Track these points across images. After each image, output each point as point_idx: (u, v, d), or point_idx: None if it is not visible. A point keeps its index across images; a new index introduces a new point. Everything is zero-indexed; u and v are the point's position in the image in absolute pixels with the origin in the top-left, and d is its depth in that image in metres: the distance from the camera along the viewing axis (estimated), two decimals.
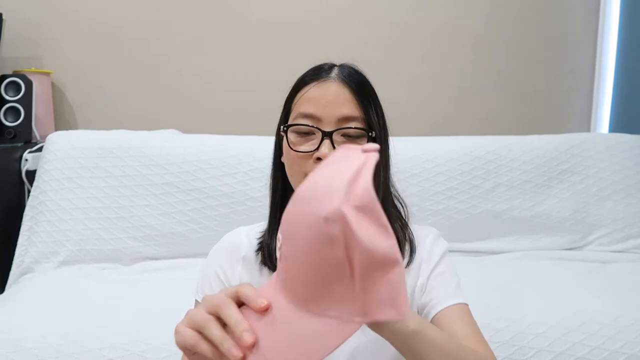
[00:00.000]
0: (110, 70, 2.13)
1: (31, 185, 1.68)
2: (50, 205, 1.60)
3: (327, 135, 0.71)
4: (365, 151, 0.46)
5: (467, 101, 2.29)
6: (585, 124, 2.35)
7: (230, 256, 0.82)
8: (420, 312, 0.77)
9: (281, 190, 0.81)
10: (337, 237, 0.42)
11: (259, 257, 0.80)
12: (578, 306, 1.27)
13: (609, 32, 2.27)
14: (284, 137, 0.76)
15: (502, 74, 2.29)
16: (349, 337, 0.45)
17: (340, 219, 0.41)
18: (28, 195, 1.69)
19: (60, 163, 1.64)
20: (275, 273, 0.52)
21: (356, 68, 0.77)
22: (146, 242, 1.62)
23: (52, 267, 1.55)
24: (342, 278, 0.43)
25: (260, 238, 0.82)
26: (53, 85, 2.08)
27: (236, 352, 0.45)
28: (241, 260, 0.81)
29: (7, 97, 1.86)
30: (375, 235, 0.42)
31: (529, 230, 1.78)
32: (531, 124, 2.28)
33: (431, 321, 0.74)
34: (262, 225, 0.84)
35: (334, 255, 0.43)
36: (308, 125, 0.73)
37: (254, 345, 0.45)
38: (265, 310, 0.47)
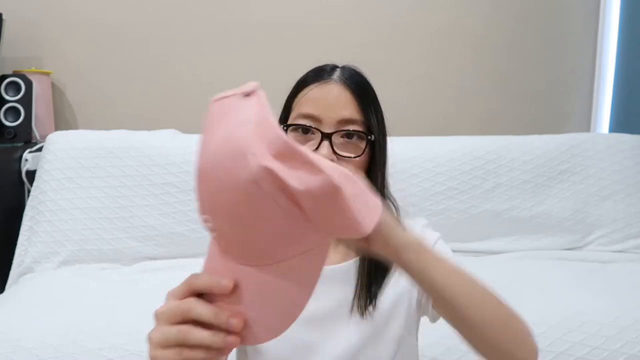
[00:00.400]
0: (110, 70, 2.13)
1: (31, 185, 1.68)
2: (50, 205, 1.60)
3: (327, 136, 0.71)
4: (247, 94, 0.42)
5: (467, 101, 2.29)
6: (585, 124, 2.35)
7: None
8: (421, 295, 0.77)
9: None
10: (272, 191, 0.40)
11: None
12: (578, 306, 1.27)
13: (609, 32, 2.27)
14: None
15: (502, 74, 2.29)
16: (326, 255, 0.45)
17: (267, 175, 0.40)
18: (28, 195, 1.68)
19: (60, 163, 1.64)
20: (210, 250, 0.49)
21: (358, 70, 0.77)
22: (146, 242, 1.62)
23: (52, 267, 1.55)
24: (297, 221, 0.42)
25: None
26: (53, 85, 2.08)
27: (233, 339, 0.44)
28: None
29: (7, 97, 1.86)
30: (305, 175, 0.40)
31: (529, 230, 1.78)
32: (531, 124, 2.28)
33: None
34: None
35: (279, 207, 0.41)
36: (307, 126, 0.72)
37: (244, 325, 0.45)
38: (233, 289, 0.45)
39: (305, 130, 0.73)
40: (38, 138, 1.93)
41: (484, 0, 2.25)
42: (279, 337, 0.48)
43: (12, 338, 1.12)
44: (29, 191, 1.71)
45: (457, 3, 2.24)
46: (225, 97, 0.45)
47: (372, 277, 0.74)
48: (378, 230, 0.47)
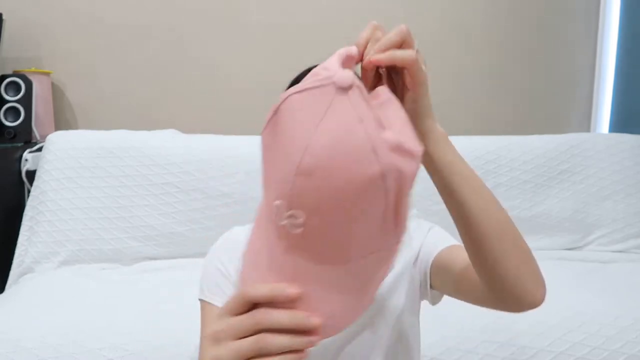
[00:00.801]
0: (110, 71, 2.13)
1: (31, 185, 1.68)
2: (50, 205, 1.60)
3: None
4: (342, 88, 0.40)
5: (466, 101, 2.29)
6: (585, 124, 2.35)
7: (230, 253, 0.82)
8: (420, 269, 0.77)
9: None
10: (392, 186, 0.40)
11: None
12: (578, 306, 1.27)
13: (609, 32, 2.27)
14: None
15: (502, 74, 2.29)
16: (394, 258, 0.46)
17: (394, 170, 0.40)
18: (28, 195, 1.68)
19: (60, 163, 1.64)
20: (262, 245, 0.47)
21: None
22: (146, 242, 1.62)
23: (52, 267, 1.55)
24: (388, 220, 0.42)
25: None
26: (53, 85, 2.08)
27: (315, 338, 0.42)
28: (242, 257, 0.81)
29: (7, 97, 1.85)
30: (409, 164, 0.42)
31: (529, 230, 1.77)
32: (531, 124, 2.28)
33: (431, 264, 0.74)
34: None
35: (385, 205, 0.41)
36: None
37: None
38: (297, 297, 0.42)
39: None
40: (38, 138, 1.92)
41: (483, 2, 2.25)
42: None
43: (12, 338, 1.12)
44: (29, 191, 1.71)
45: (457, 3, 2.24)
46: (306, 89, 0.42)
47: None
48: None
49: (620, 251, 1.76)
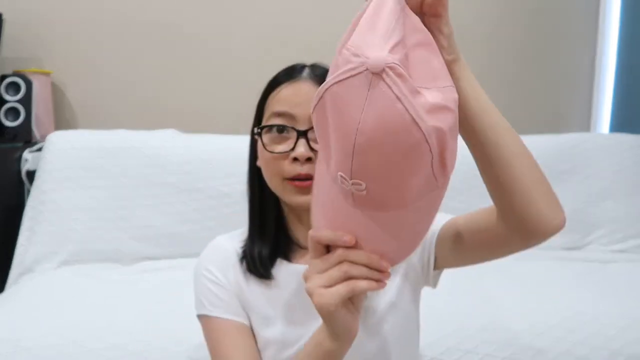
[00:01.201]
0: (110, 71, 2.13)
1: (31, 185, 1.68)
2: (50, 205, 1.60)
3: (302, 134, 0.70)
4: (375, 73, 0.46)
5: None
6: (585, 124, 2.35)
7: (218, 263, 0.80)
8: (422, 255, 0.77)
9: (259, 196, 0.79)
10: (434, 143, 0.48)
11: (244, 265, 0.78)
12: (578, 306, 1.27)
13: (609, 32, 2.27)
14: (259, 140, 0.74)
15: (502, 74, 2.29)
16: (446, 190, 0.55)
17: (436, 131, 0.48)
18: (28, 195, 1.68)
19: (60, 163, 1.64)
20: (332, 205, 0.55)
21: (328, 67, 0.77)
22: (146, 242, 1.62)
23: (52, 267, 1.55)
24: (434, 168, 0.50)
25: (243, 247, 0.80)
26: (53, 85, 2.08)
27: (386, 275, 0.54)
28: (231, 267, 0.79)
29: (7, 97, 1.85)
30: (445, 117, 0.50)
31: None
32: (531, 124, 2.28)
33: (437, 239, 0.75)
34: (242, 232, 0.82)
35: (431, 158, 0.49)
36: (282, 126, 0.72)
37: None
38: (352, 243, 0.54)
39: (280, 129, 0.72)
40: (38, 138, 1.92)
41: (484, 1, 2.25)
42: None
43: (12, 338, 1.12)
44: (29, 191, 1.71)
45: (456, 3, 2.24)
46: (344, 79, 0.48)
47: None
48: None
49: (620, 251, 1.76)
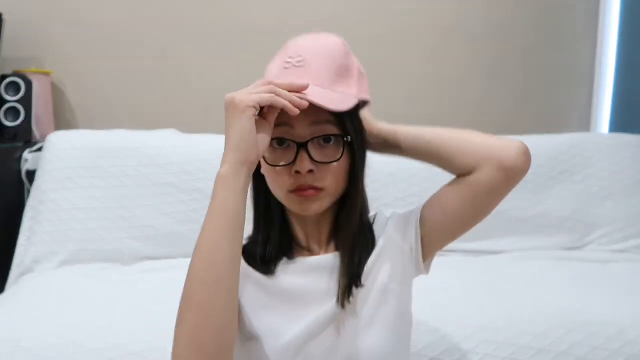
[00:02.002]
0: (110, 70, 2.13)
1: (31, 185, 1.68)
2: (50, 205, 1.60)
3: (302, 147, 0.70)
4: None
5: (466, 101, 2.29)
6: (585, 124, 2.35)
7: None
8: (409, 239, 0.80)
9: (264, 203, 0.79)
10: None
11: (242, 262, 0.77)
12: (578, 306, 1.27)
13: (609, 32, 2.27)
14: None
15: (502, 74, 2.29)
16: None
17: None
18: (28, 195, 1.68)
19: (60, 163, 1.64)
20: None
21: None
22: (146, 242, 1.62)
23: (52, 267, 1.55)
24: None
25: (246, 244, 0.80)
26: (53, 85, 2.08)
27: (306, 104, 0.66)
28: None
29: (7, 97, 1.85)
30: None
31: (529, 230, 1.77)
32: (531, 124, 2.28)
33: (421, 215, 0.80)
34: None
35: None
36: (281, 139, 0.71)
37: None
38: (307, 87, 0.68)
39: (281, 142, 0.71)
40: (38, 138, 1.92)
41: (484, 1, 2.25)
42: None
43: (12, 338, 1.12)
44: (29, 191, 1.71)
45: (456, 3, 2.24)
46: None
47: (353, 270, 0.74)
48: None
49: (620, 251, 1.76)
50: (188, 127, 1.92)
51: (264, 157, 0.73)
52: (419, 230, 0.79)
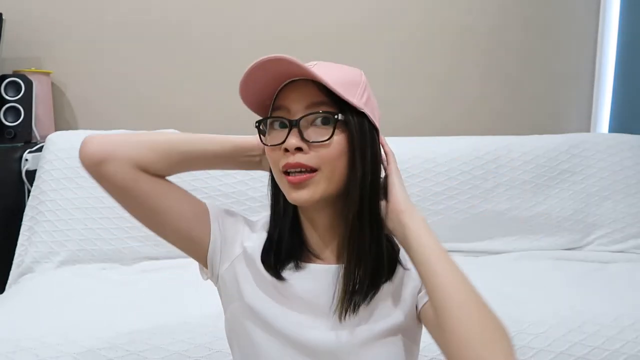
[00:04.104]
0: (110, 70, 2.13)
1: (31, 185, 1.68)
2: (50, 205, 1.60)
3: (294, 124, 0.69)
4: None
5: (466, 102, 2.29)
6: (585, 124, 2.35)
7: (251, 230, 0.82)
8: (419, 307, 0.75)
9: (282, 202, 0.78)
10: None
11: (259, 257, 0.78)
12: (578, 306, 1.27)
13: (609, 32, 2.27)
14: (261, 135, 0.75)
15: (502, 75, 2.29)
16: None
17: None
18: (28, 195, 1.68)
19: (60, 163, 1.64)
20: None
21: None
22: (146, 242, 1.62)
23: (52, 267, 1.55)
24: None
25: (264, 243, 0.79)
26: (53, 85, 2.08)
27: None
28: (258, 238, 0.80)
29: (7, 97, 1.85)
30: None
31: (529, 230, 1.78)
32: (531, 124, 2.28)
33: (421, 309, 0.74)
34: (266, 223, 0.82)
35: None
36: (276, 117, 0.71)
37: None
38: None
39: (274, 121, 0.72)
40: (38, 138, 1.92)
41: (484, 1, 2.25)
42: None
43: (12, 338, 1.12)
44: (29, 191, 1.71)
45: (456, 4, 2.24)
46: None
47: (355, 284, 0.71)
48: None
49: (620, 251, 1.76)
50: (188, 127, 1.92)
51: (260, 137, 0.75)
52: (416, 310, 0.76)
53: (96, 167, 0.77)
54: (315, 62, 0.72)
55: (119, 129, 1.80)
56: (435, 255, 0.66)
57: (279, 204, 0.78)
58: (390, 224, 0.72)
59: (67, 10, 2.08)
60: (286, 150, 0.69)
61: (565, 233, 1.78)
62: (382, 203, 0.74)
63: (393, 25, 2.22)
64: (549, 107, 2.33)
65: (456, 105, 2.28)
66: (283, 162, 0.70)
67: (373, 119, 0.73)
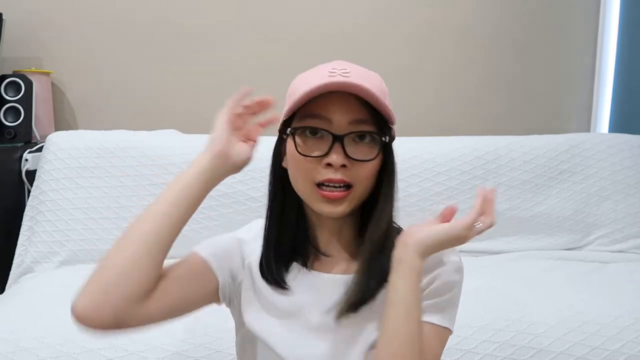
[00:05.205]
0: (110, 71, 2.13)
1: (31, 185, 1.68)
2: (50, 205, 1.60)
3: (338, 139, 0.67)
4: None
5: (467, 101, 2.29)
6: (585, 124, 2.35)
7: (248, 243, 0.79)
8: None
9: (281, 199, 0.76)
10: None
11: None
12: (578, 306, 1.28)
13: (609, 32, 2.27)
14: (289, 140, 0.71)
15: (502, 74, 2.29)
16: None
17: None
18: (28, 195, 1.68)
19: (60, 163, 1.64)
20: None
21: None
22: None
23: (52, 267, 1.55)
24: None
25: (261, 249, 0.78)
26: (53, 85, 2.08)
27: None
28: (247, 266, 0.78)
29: (7, 97, 1.85)
30: None
31: (529, 230, 1.78)
32: (531, 124, 2.28)
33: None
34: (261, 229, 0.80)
35: None
36: (317, 128, 0.68)
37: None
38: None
39: (314, 131, 0.69)
40: (38, 138, 1.92)
41: (484, 1, 2.25)
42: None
43: (12, 338, 1.12)
44: (29, 191, 1.71)
45: (456, 4, 2.24)
46: None
47: (364, 292, 0.71)
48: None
49: (620, 251, 1.76)
50: (188, 127, 1.92)
51: (294, 145, 0.70)
52: None
53: (117, 329, 0.67)
54: (347, 69, 0.69)
55: (119, 128, 1.80)
56: (403, 309, 0.66)
57: (279, 203, 0.76)
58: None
59: (67, 10, 2.08)
60: (328, 164, 0.68)
61: (565, 233, 1.78)
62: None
63: (393, 25, 2.22)
64: (549, 107, 2.33)
65: (456, 105, 2.28)
66: (323, 177, 0.68)
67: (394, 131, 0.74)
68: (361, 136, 0.69)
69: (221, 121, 0.71)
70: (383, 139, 0.69)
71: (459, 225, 0.70)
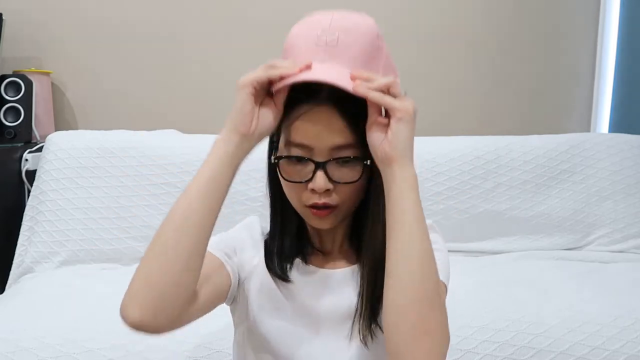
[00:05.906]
0: (110, 70, 2.13)
1: (31, 185, 1.68)
2: (50, 205, 1.60)
3: (321, 166, 0.68)
4: None
5: (467, 101, 2.29)
6: (585, 124, 2.35)
7: (253, 239, 0.81)
8: None
9: (280, 197, 0.77)
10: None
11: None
12: (578, 306, 1.27)
13: (609, 32, 2.27)
14: (277, 167, 0.72)
15: (502, 74, 2.29)
16: None
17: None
18: (28, 195, 1.68)
19: (60, 163, 1.64)
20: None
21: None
22: (146, 242, 1.59)
23: (52, 267, 1.55)
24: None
25: (265, 239, 0.81)
26: (53, 85, 2.08)
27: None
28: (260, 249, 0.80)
29: (7, 97, 1.86)
30: None
31: (529, 230, 1.78)
32: (531, 124, 2.28)
33: None
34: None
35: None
36: (299, 157, 0.69)
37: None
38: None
39: (299, 158, 0.70)
40: (38, 138, 1.93)
41: (484, 2, 2.25)
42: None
43: (12, 338, 1.12)
44: (29, 191, 1.71)
45: (456, 3, 2.24)
46: None
47: (375, 286, 0.70)
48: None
49: (620, 251, 1.76)
50: (188, 127, 1.92)
51: (280, 172, 0.71)
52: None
53: (172, 330, 0.66)
54: (334, 37, 0.70)
55: (119, 128, 1.80)
56: (408, 226, 0.63)
57: (279, 202, 0.78)
58: (380, 165, 0.66)
59: (67, 10, 2.08)
60: (313, 190, 0.69)
61: (565, 233, 1.78)
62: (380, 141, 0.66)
63: (393, 26, 2.22)
64: (549, 107, 2.33)
65: (456, 105, 2.28)
66: (309, 201, 0.70)
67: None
68: (344, 159, 0.69)
69: (246, 92, 0.67)
70: (365, 162, 0.69)
71: (389, 104, 0.65)
